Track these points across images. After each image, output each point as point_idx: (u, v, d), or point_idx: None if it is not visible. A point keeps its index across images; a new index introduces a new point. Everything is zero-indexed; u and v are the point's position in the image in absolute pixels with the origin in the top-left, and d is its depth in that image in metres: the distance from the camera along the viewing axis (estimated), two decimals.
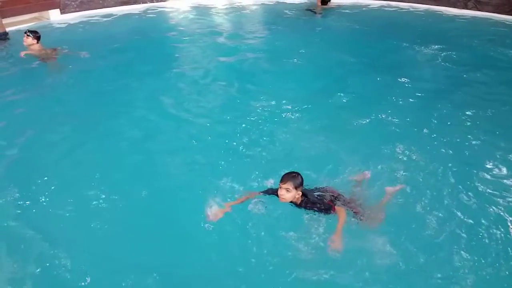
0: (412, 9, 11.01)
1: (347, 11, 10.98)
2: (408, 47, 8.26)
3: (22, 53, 7.18)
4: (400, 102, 6.09)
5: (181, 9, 11.07)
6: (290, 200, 3.58)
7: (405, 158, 4.70)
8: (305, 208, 3.62)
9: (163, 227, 3.86)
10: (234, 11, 11.06)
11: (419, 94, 6.30)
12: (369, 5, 11.32)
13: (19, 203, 4.04)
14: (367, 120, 5.58)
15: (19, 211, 3.95)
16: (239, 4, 11.63)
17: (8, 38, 8.40)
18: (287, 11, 10.98)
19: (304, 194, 3.62)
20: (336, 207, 3.58)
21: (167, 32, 9.38)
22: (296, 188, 3.51)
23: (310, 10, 10.93)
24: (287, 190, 3.49)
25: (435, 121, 5.55)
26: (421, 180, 4.35)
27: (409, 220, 3.82)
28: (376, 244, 3.51)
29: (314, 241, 3.51)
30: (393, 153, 4.80)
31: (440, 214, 3.88)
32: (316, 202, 3.61)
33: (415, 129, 5.34)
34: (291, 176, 3.52)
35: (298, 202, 3.62)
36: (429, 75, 7.04)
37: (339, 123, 5.59)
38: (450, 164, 4.58)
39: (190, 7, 11.22)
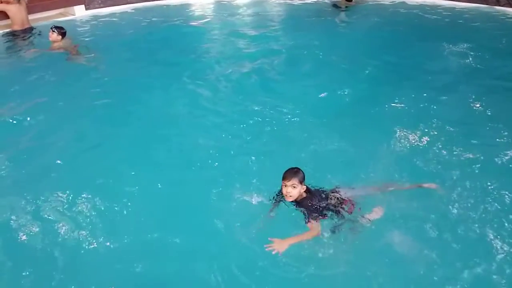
0: (440, 6, 10.65)
1: (373, 7, 10.74)
2: (436, 46, 7.99)
3: (33, 51, 7.35)
4: (427, 106, 5.82)
5: (204, 3, 11.03)
6: (296, 197, 3.48)
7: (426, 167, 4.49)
8: (306, 208, 3.51)
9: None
10: (257, 5, 10.96)
11: (449, 97, 6.03)
12: (394, 2, 11.03)
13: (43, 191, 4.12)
14: (390, 122, 5.39)
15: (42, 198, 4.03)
16: None
17: (34, 34, 8.52)
18: (311, 7, 10.83)
19: (308, 190, 3.56)
20: (313, 223, 3.43)
21: (189, 27, 9.40)
22: (301, 183, 3.44)
23: (335, 5, 10.75)
24: (294, 186, 3.41)
25: (460, 125, 5.27)
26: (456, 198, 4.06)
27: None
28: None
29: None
30: (412, 159, 4.60)
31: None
32: (317, 198, 3.54)
33: (446, 137, 5.04)
34: (294, 172, 3.45)
35: (304, 196, 3.52)
36: (459, 75, 6.78)
37: (360, 125, 5.43)
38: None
39: (213, 2, 11.18)
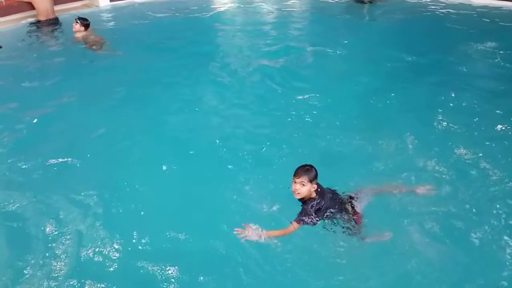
0: (470, 5, 10.26)
1: (398, 2, 10.44)
2: (463, 46, 7.65)
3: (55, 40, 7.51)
4: (451, 106, 5.65)
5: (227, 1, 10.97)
6: (305, 195, 3.40)
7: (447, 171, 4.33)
8: (304, 209, 3.43)
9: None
10: (279, 1, 10.82)
11: (473, 98, 5.80)
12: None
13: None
14: (410, 122, 5.26)
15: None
16: None
17: (59, 24, 8.64)
18: (334, 2, 10.63)
19: (319, 191, 3.46)
20: (295, 224, 3.37)
21: (210, 19, 9.38)
22: (311, 181, 3.34)
23: (359, 1, 10.53)
24: (302, 184, 3.33)
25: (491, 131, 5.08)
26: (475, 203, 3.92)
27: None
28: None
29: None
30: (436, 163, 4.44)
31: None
32: (325, 204, 3.44)
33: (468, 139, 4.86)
34: (305, 170, 3.37)
35: (312, 197, 3.43)
36: (486, 77, 6.50)
37: (380, 124, 5.30)
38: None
39: None
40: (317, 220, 3.40)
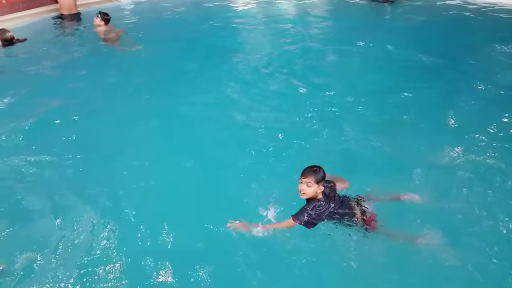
0: (498, 7, 10.04)
1: (420, 2, 10.28)
2: (486, 48, 7.43)
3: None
4: (473, 108, 5.51)
5: None
6: (311, 196, 3.37)
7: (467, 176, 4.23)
8: (307, 207, 3.42)
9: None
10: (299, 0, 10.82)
11: (494, 102, 5.64)
12: None
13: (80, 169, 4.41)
14: (430, 125, 5.17)
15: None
16: None
17: (81, 19, 8.87)
18: (353, 2, 10.56)
19: (324, 191, 3.43)
20: (291, 221, 3.39)
21: (231, 15, 9.44)
22: (317, 182, 3.31)
23: (379, 1, 10.44)
24: (308, 184, 3.31)
25: None
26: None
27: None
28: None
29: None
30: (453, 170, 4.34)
31: None
32: (330, 206, 3.42)
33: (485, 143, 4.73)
34: (313, 170, 3.34)
35: (318, 198, 3.41)
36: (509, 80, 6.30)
37: (399, 125, 5.24)
38: None
39: None
40: (313, 222, 3.38)
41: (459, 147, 4.65)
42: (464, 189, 4.05)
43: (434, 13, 9.55)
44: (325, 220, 3.42)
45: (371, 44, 7.67)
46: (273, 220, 3.57)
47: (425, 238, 3.45)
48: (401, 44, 7.70)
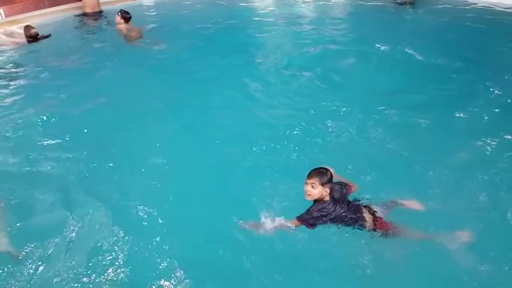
0: None
1: (441, 5, 10.13)
2: (509, 53, 7.27)
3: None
4: (492, 113, 5.35)
5: None
6: (316, 198, 3.36)
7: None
8: (311, 209, 3.40)
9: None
10: (319, 1, 10.80)
11: None
12: (467, 1, 10.31)
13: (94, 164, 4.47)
14: (448, 129, 5.09)
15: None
16: None
17: (104, 17, 9.06)
18: (372, 3, 10.48)
19: (332, 194, 3.40)
20: (296, 222, 3.40)
21: (251, 18, 9.48)
22: (322, 184, 3.30)
23: (398, 1, 10.35)
24: (313, 186, 3.30)
25: None
26: None
27: None
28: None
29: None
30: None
31: None
32: (336, 208, 3.38)
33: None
34: (319, 172, 3.34)
35: (325, 199, 3.39)
36: None
37: (418, 128, 5.13)
38: None
39: None
40: (314, 223, 3.38)
41: (477, 152, 4.58)
42: (481, 194, 3.97)
43: (457, 15, 9.39)
44: (328, 223, 3.40)
45: (391, 46, 7.58)
46: (271, 223, 3.52)
47: (449, 236, 3.41)
48: (421, 46, 7.57)
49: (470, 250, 3.34)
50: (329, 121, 5.24)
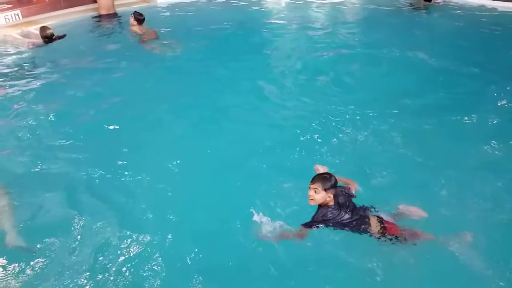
0: None
1: (457, 10, 10.02)
2: None
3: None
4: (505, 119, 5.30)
5: (280, 1, 11.06)
6: (320, 203, 3.35)
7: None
8: (317, 215, 3.37)
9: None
10: (332, 4, 10.76)
11: None
12: (483, 6, 10.19)
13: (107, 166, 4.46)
14: (461, 134, 5.02)
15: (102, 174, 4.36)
16: None
17: (118, 18, 9.17)
18: (388, 6, 10.42)
19: (336, 200, 3.37)
20: (303, 229, 3.34)
21: (264, 22, 9.48)
22: (325, 190, 3.28)
23: (412, 6, 10.27)
24: (316, 191, 3.29)
25: None
26: None
27: None
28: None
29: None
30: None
31: None
32: (341, 213, 3.35)
33: None
34: (322, 177, 3.33)
35: (330, 204, 3.37)
36: None
37: (431, 133, 5.08)
38: None
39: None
40: (317, 225, 3.36)
41: (489, 158, 4.53)
42: (494, 199, 3.92)
43: (473, 20, 9.32)
44: (333, 227, 3.38)
45: (404, 51, 7.54)
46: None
47: (456, 237, 3.37)
48: (434, 51, 7.51)
49: (486, 258, 3.28)
50: (341, 124, 5.23)
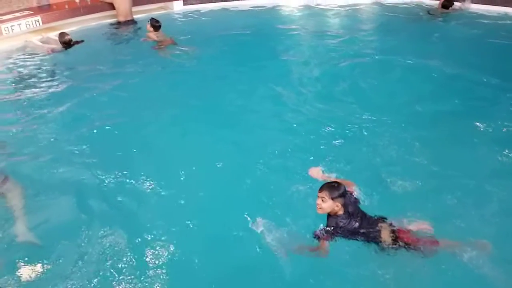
0: None
1: (476, 19, 9.78)
2: None
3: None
4: None
5: (294, 7, 11.02)
6: (328, 212, 3.33)
7: None
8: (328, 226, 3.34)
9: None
10: (347, 11, 10.69)
11: None
12: (500, 13, 9.90)
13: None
14: (477, 143, 4.90)
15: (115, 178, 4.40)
16: (353, 4, 11.12)
17: (136, 25, 9.30)
18: (404, 13, 10.32)
19: (345, 209, 3.32)
20: (324, 242, 3.29)
21: (279, 29, 9.47)
22: (333, 199, 3.25)
23: (430, 14, 10.15)
24: (323, 200, 3.27)
25: None
26: None
27: None
28: None
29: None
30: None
31: None
32: (351, 222, 3.31)
33: None
34: (330, 186, 3.30)
35: (339, 214, 3.33)
36: None
37: (447, 146, 4.97)
38: None
39: (303, 5, 11.11)
40: (334, 236, 3.33)
41: (506, 167, 4.46)
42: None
43: (491, 28, 9.12)
44: (341, 235, 3.35)
45: (420, 58, 7.43)
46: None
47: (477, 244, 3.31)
48: (450, 59, 7.35)
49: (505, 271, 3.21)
50: (356, 131, 5.21)
